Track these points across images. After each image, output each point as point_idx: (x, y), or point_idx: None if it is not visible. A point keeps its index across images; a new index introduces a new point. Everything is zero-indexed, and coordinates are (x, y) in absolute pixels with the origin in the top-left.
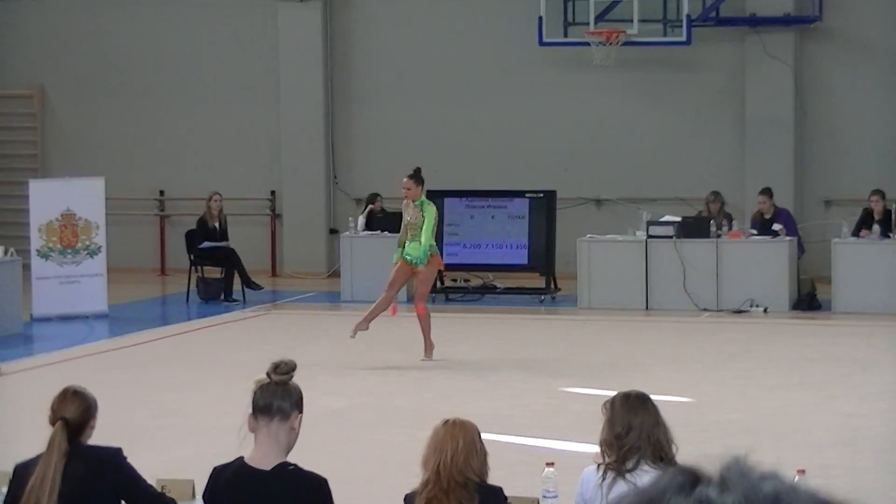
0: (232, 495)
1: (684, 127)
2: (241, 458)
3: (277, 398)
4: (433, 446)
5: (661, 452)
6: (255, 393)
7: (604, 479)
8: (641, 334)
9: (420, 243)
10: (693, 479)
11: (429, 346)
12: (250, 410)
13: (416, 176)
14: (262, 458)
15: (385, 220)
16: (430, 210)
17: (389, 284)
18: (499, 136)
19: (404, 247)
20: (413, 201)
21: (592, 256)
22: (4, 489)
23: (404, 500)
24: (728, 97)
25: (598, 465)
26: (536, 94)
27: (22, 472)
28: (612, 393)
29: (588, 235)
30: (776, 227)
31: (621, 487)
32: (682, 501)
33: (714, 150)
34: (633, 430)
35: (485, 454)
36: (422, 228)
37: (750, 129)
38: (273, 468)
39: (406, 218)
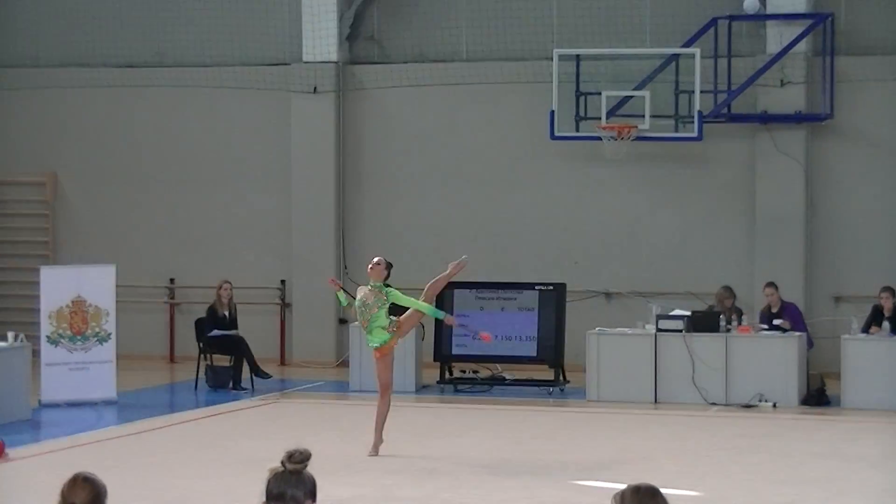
0: None
1: (695, 221)
2: None
3: (291, 487)
4: None
5: None
6: (269, 481)
7: None
8: (650, 427)
9: (381, 327)
10: None
11: (378, 441)
12: (263, 499)
13: (388, 263)
14: None
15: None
16: (395, 291)
17: (381, 383)
18: (509, 228)
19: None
20: (373, 284)
21: (602, 349)
22: None
23: None
24: (738, 192)
25: None
26: (548, 187)
27: None
28: (622, 486)
29: (597, 328)
30: (777, 321)
31: None
32: None
33: (724, 245)
34: None
35: None
36: (384, 311)
37: (760, 224)
38: None
39: (360, 297)
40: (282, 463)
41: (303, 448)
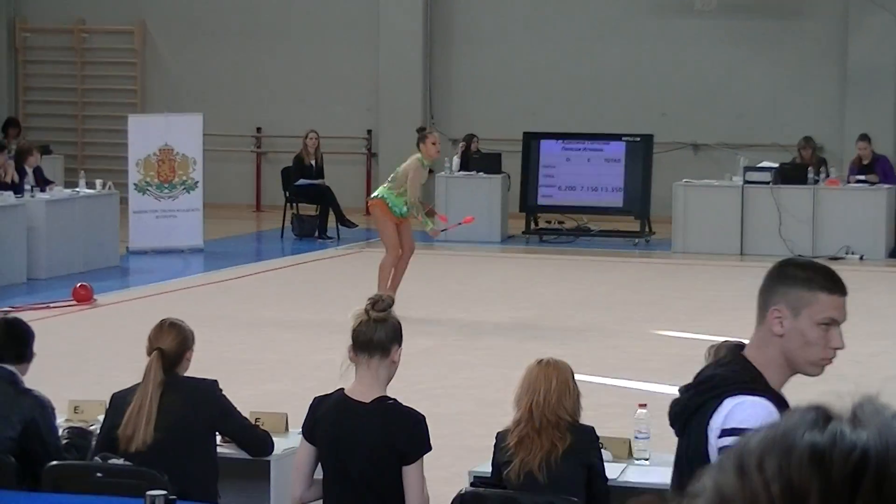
0: (331, 425)
1: (784, 73)
2: (341, 390)
3: (377, 334)
4: (526, 386)
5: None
6: (354, 330)
7: None
8: (735, 279)
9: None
10: (825, 415)
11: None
12: (350, 344)
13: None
14: (363, 392)
15: (481, 161)
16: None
17: (392, 245)
18: (597, 80)
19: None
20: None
21: (688, 201)
22: (101, 418)
23: (496, 437)
24: (830, 45)
25: None
26: (636, 39)
27: (119, 402)
28: (706, 337)
29: (684, 180)
30: (862, 176)
31: None
32: (815, 437)
33: (814, 98)
34: None
35: (577, 394)
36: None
37: (851, 78)
38: (372, 401)
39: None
40: (366, 311)
41: (385, 295)
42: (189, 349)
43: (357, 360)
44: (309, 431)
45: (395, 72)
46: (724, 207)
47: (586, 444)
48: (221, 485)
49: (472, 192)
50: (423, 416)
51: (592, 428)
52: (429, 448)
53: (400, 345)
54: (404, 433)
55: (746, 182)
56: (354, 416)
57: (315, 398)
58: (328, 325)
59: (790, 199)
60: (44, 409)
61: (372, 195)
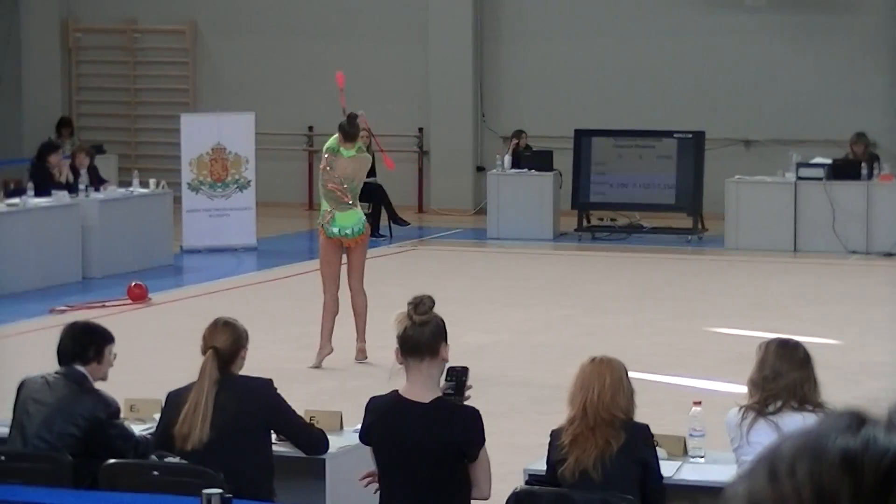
0: (390, 426)
1: (836, 68)
2: (395, 392)
3: (424, 337)
4: (580, 383)
5: (805, 400)
6: (399, 336)
7: (744, 418)
8: (789, 275)
9: (358, 208)
10: (859, 419)
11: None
12: (397, 347)
13: (352, 118)
14: (418, 393)
15: (532, 159)
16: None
17: (329, 281)
18: (648, 76)
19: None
20: (354, 152)
21: (741, 197)
22: (157, 416)
23: (550, 436)
24: (881, 38)
25: (740, 407)
26: (687, 35)
27: (174, 400)
28: (758, 334)
29: (736, 176)
30: None
31: (762, 427)
32: (848, 441)
33: (865, 92)
34: (780, 377)
35: (631, 392)
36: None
37: None
38: (431, 401)
39: (340, 172)
40: (408, 316)
41: (426, 296)
42: (243, 347)
43: (407, 364)
44: (365, 433)
45: (446, 69)
46: (777, 204)
47: (640, 442)
48: (277, 483)
49: (524, 190)
50: (479, 411)
51: (646, 425)
52: (484, 440)
53: (447, 341)
54: (463, 430)
55: (799, 178)
56: (412, 416)
57: (370, 399)
58: (381, 324)
59: (843, 194)
60: (108, 407)
61: (356, 228)
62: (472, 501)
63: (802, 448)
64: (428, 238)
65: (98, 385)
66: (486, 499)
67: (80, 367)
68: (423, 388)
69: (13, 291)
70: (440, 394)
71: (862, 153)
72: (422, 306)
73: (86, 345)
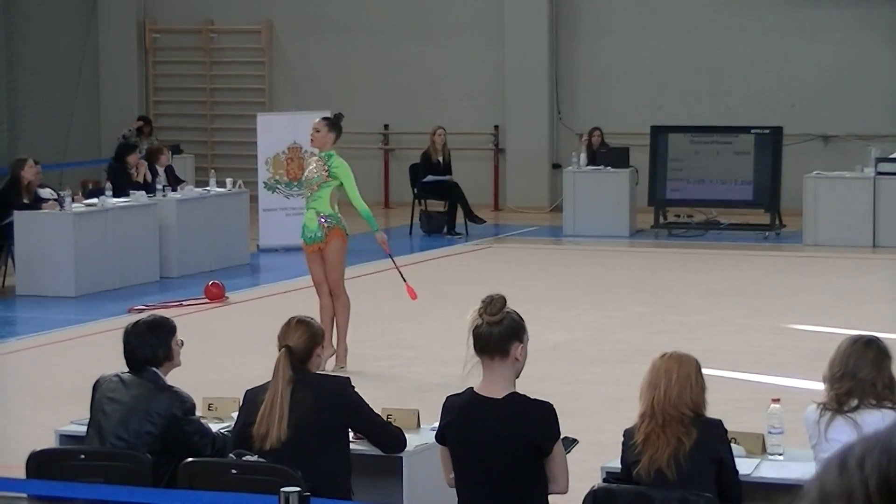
0: (465, 422)
1: None
2: (471, 389)
3: (494, 337)
4: (649, 381)
5: (882, 397)
6: (472, 336)
7: (822, 415)
8: (867, 272)
9: (317, 212)
10: None
11: (343, 351)
12: (471, 343)
13: (331, 121)
14: (491, 389)
15: (608, 156)
16: (344, 168)
17: (316, 287)
18: (725, 72)
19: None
20: (319, 152)
21: (819, 193)
22: (235, 415)
23: (624, 435)
24: None
25: (817, 405)
26: (764, 30)
27: (252, 399)
28: (837, 331)
29: (815, 172)
30: None
31: (841, 424)
32: None
33: None
34: (853, 374)
35: (702, 388)
36: (327, 192)
37: None
38: (504, 397)
39: (305, 172)
40: (480, 315)
41: (497, 295)
42: (318, 346)
43: (482, 361)
44: (441, 433)
45: (521, 66)
46: (856, 199)
47: (714, 438)
48: (354, 481)
49: (600, 187)
50: (553, 405)
51: (720, 421)
52: (559, 435)
53: (521, 340)
54: (538, 425)
55: (878, 173)
56: (487, 412)
57: (447, 398)
58: (457, 322)
59: None
60: (183, 403)
61: (326, 224)
62: (550, 497)
63: (874, 444)
64: (504, 236)
65: (175, 377)
66: (564, 493)
67: (155, 369)
68: (495, 384)
69: (93, 291)
70: (514, 389)
71: None
72: (492, 306)
73: (154, 346)
